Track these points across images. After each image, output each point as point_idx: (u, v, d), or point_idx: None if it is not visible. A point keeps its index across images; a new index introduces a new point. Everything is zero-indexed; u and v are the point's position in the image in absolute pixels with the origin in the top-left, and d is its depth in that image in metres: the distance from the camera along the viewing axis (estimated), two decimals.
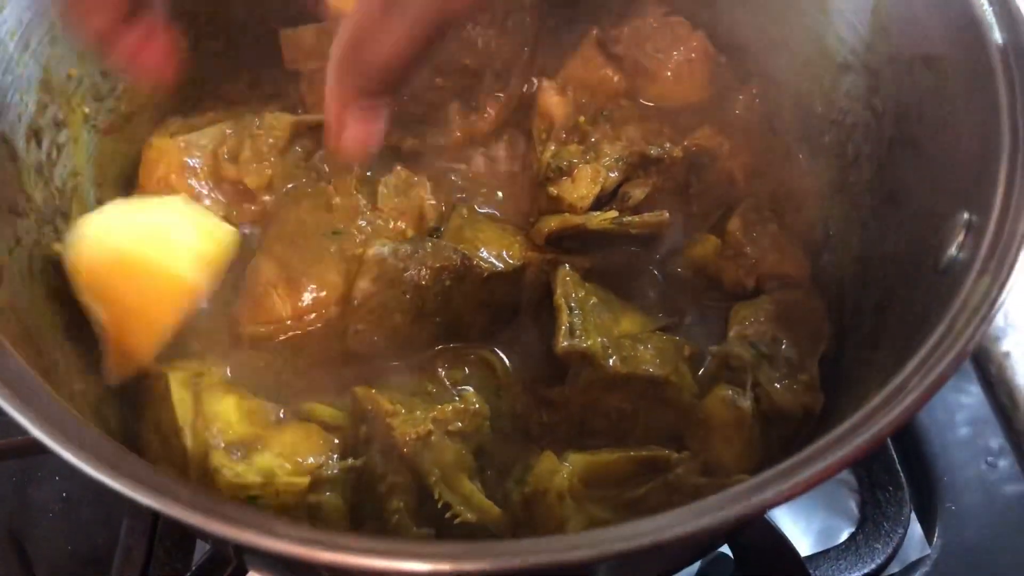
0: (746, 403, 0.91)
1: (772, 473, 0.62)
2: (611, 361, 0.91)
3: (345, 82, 0.72)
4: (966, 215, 0.75)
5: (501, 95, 1.12)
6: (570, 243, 1.01)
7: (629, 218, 0.99)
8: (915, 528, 1.12)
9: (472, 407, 0.89)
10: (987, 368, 1.17)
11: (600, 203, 1.01)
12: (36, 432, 0.61)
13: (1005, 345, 1.15)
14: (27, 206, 0.90)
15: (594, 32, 1.14)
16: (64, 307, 0.90)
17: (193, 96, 1.13)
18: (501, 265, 0.98)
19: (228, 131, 1.07)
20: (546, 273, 0.99)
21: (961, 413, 1.18)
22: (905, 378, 0.65)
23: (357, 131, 0.74)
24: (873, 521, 1.12)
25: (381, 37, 0.68)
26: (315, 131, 1.13)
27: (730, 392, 0.91)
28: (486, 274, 0.97)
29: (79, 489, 1.21)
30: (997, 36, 0.79)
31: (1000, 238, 0.70)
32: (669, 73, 1.14)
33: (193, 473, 0.86)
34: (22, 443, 1.08)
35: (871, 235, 0.98)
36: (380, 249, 0.95)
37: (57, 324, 0.89)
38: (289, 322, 0.99)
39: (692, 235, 1.03)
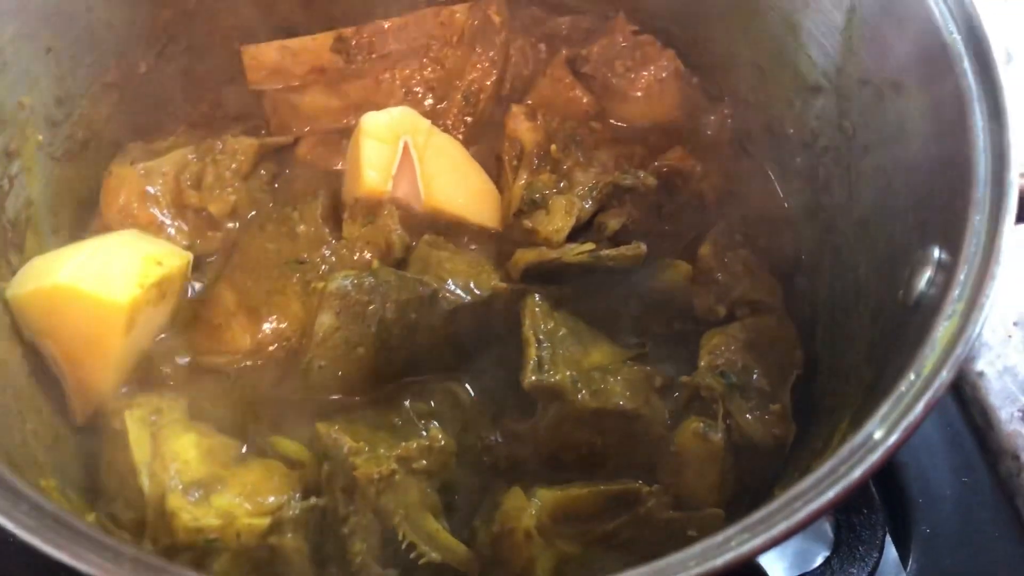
0: (717, 436, 0.89)
1: (756, 518, 0.60)
2: (580, 395, 0.89)
3: None
4: (936, 252, 0.74)
5: (470, 118, 1.10)
6: (543, 274, 0.99)
7: (606, 251, 0.97)
8: (890, 551, 1.10)
9: (438, 444, 0.88)
10: (961, 388, 1.16)
11: (575, 233, 0.99)
12: None
13: (979, 365, 1.14)
14: None
15: (563, 52, 1.13)
16: (19, 346, 0.88)
17: (154, 119, 1.11)
18: (468, 297, 0.96)
19: (190, 156, 1.05)
20: (515, 303, 0.97)
21: (935, 433, 1.17)
22: (882, 416, 0.64)
23: None
24: (848, 545, 1.11)
25: None
26: (279, 154, 1.12)
27: (701, 425, 0.90)
28: (453, 306, 0.95)
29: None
30: (967, 64, 0.78)
31: (971, 278, 0.68)
32: (639, 92, 1.13)
33: (150, 514, 0.84)
34: None
35: (843, 262, 0.97)
36: (343, 282, 0.93)
37: (14, 362, 0.87)
38: (249, 352, 0.98)
39: (664, 260, 1.02)
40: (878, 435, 0.63)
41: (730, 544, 0.59)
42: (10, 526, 0.57)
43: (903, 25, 0.85)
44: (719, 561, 0.58)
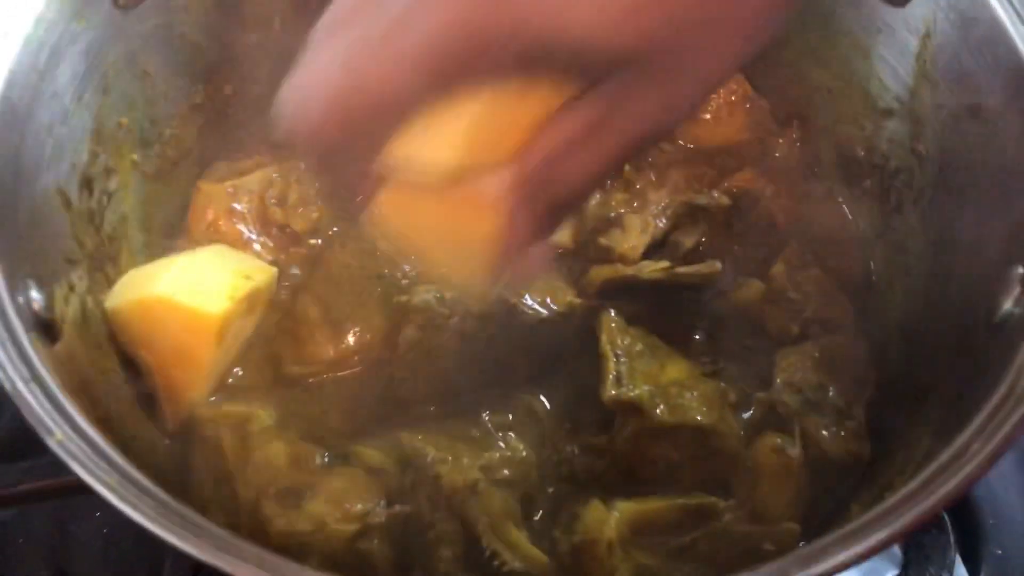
0: (795, 451, 0.91)
1: (830, 540, 0.62)
2: (659, 410, 0.91)
3: (538, 200, 0.60)
4: (1021, 270, 0.75)
5: None
6: (616, 290, 1.02)
7: (681, 268, 0.99)
8: (960, 572, 1.10)
9: (520, 455, 0.90)
10: None
11: (649, 251, 1.02)
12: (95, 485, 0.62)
13: None
14: (80, 253, 0.92)
15: None
16: (117, 355, 0.91)
17: (238, 140, 1.15)
18: (546, 312, 0.98)
19: (274, 175, 1.08)
20: (590, 319, 0.99)
21: (1007, 454, 1.17)
22: (965, 441, 0.65)
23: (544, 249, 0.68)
24: (917, 565, 1.11)
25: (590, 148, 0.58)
26: None
27: (779, 440, 0.91)
28: (531, 321, 0.97)
29: (121, 526, 1.21)
30: None
31: None
32: (708, 115, 1.15)
33: (244, 519, 0.87)
34: (64, 484, 1.09)
35: (916, 283, 0.98)
36: (425, 296, 0.96)
37: (111, 371, 0.91)
38: (332, 363, 1.00)
39: (737, 279, 1.03)
40: (973, 448, 0.64)
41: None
42: (144, 522, 0.60)
43: (981, 50, 0.86)
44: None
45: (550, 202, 0.60)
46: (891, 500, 0.66)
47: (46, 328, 0.78)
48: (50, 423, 0.66)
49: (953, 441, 0.66)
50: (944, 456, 0.65)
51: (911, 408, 0.91)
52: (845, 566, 0.60)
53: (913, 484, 0.66)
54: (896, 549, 1.15)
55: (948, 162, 0.93)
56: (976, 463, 0.63)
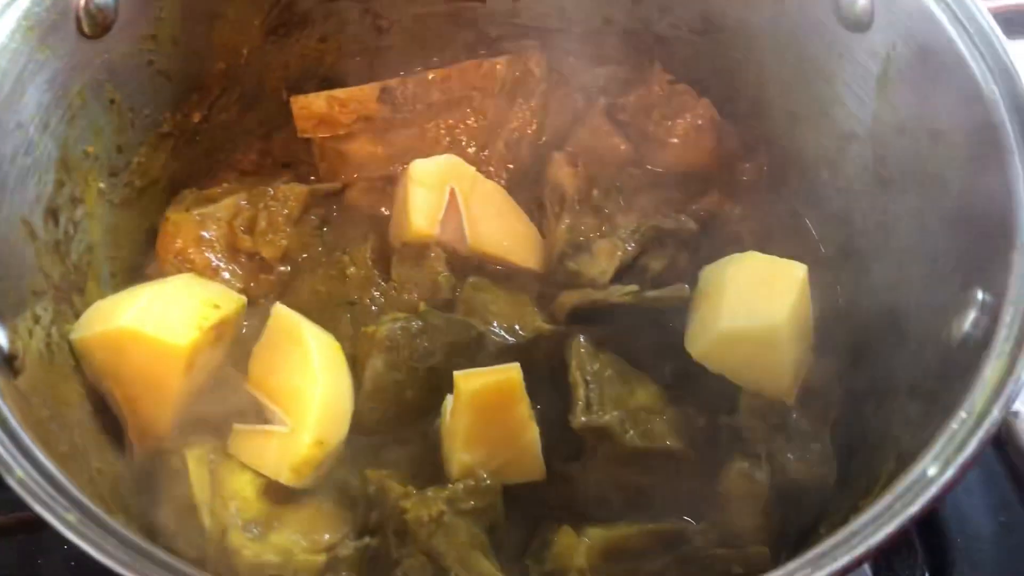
0: (762, 475, 0.91)
1: (799, 563, 0.62)
2: (628, 436, 0.91)
3: None
4: (979, 294, 0.76)
5: (511, 165, 1.13)
6: (585, 314, 1.02)
7: (651, 292, 1.00)
8: None
9: (483, 484, 0.89)
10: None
11: (618, 275, 1.02)
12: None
13: (1015, 404, 1.16)
14: (45, 284, 0.91)
15: (601, 101, 1.16)
16: (83, 387, 0.91)
17: (205, 167, 1.15)
18: (513, 339, 0.99)
19: (243, 202, 1.08)
20: (558, 344, 0.99)
21: (972, 473, 1.17)
22: (929, 462, 0.65)
23: None
24: None
25: None
26: (328, 199, 1.15)
27: (746, 465, 0.92)
28: (498, 348, 0.97)
29: (88, 559, 1.20)
30: (1004, 115, 0.81)
31: (1017, 320, 0.70)
32: (676, 140, 1.16)
33: (211, 551, 0.86)
34: (28, 518, 1.07)
35: (881, 303, 0.99)
36: (392, 326, 0.96)
37: (76, 404, 0.90)
38: None
39: None
40: (932, 471, 0.65)
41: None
42: (104, 560, 0.59)
43: (939, 76, 0.88)
44: None
45: None
46: (858, 521, 0.66)
47: (8, 362, 0.77)
48: (10, 460, 0.66)
49: (918, 462, 0.67)
50: (909, 477, 0.66)
51: (876, 429, 0.92)
52: None
53: (880, 505, 0.67)
54: (867, 570, 1.16)
55: (909, 185, 0.95)
56: (941, 484, 0.64)
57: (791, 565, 0.62)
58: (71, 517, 0.63)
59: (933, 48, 0.88)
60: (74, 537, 0.62)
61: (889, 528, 0.62)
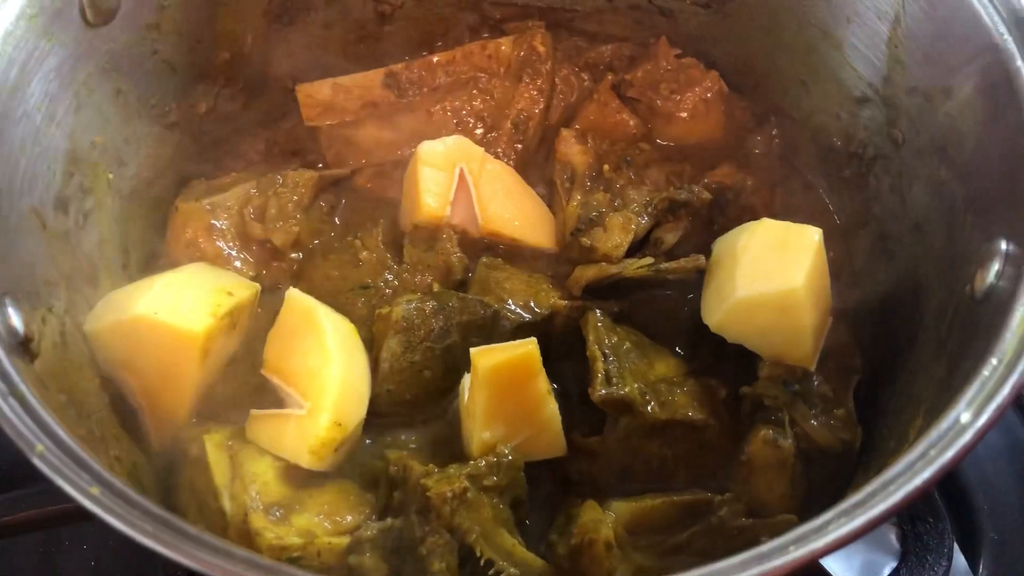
0: (787, 442, 0.90)
1: (823, 520, 0.61)
2: (650, 407, 0.90)
3: None
4: (1004, 244, 0.75)
5: (520, 145, 1.13)
6: (601, 289, 1.01)
7: (666, 264, 0.99)
8: (959, 559, 1.09)
9: (505, 459, 0.88)
10: (1020, 394, 1.16)
11: (632, 249, 1.01)
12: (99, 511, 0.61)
13: None
14: (57, 275, 0.91)
15: (608, 78, 1.15)
16: (98, 378, 0.90)
17: (214, 157, 1.14)
18: (529, 316, 0.98)
19: (252, 190, 1.08)
20: (574, 320, 0.98)
21: (998, 440, 1.17)
22: (957, 415, 0.64)
23: None
24: (916, 555, 1.10)
25: None
26: (337, 185, 1.15)
27: (771, 432, 0.91)
28: (514, 326, 0.96)
29: (108, 558, 1.19)
30: (1020, 63, 0.80)
31: None
32: (685, 113, 1.15)
33: (233, 535, 0.86)
34: (48, 513, 1.07)
35: (899, 266, 0.98)
36: (407, 307, 0.95)
37: (94, 392, 0.89)
38: None
39: None
40: (965, 418, 0.64)
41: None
42: (129, 531, 0.58)
43: (950, 30, 0.87)
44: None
45: None
46: (893, 470, 0.65)
47: (24, 345, 0.76)
48: (31, 436, 0.65)
49: (950, 410, 0.66)
50: (943, 425, 0.64)
51: (901, 391, 0.90)
52: (843, 542, 0.59)
53: (914, 452, 0.65)
54: (894, 542, 1.15)
55: (924, 145, 0.94)
56: (976, 429, 0.63)
57: (826, 515, 0.61)
58: (94, 490, 0.62)
59: (942, 1, 0.87)
60: (98, 509, 0.61)
61: (925, 475, 0.61)
